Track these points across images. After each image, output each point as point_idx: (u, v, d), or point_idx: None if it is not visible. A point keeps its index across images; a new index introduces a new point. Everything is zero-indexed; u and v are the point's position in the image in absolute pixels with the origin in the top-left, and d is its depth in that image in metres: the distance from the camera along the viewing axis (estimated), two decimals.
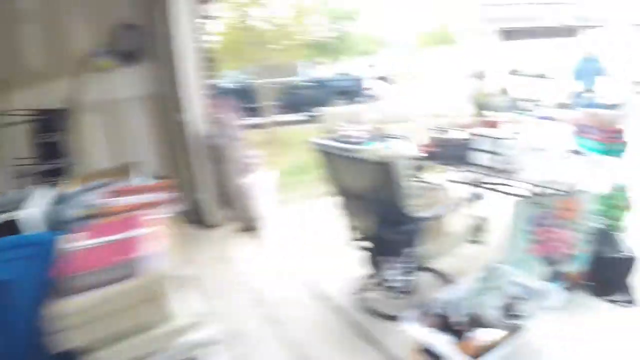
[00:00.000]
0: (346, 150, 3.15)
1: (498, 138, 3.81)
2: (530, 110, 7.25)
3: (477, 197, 3.55)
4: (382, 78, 26.41)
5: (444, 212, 3.43)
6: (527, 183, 3.74)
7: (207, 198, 5.89)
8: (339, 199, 3.72)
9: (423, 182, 4.30)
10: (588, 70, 9.31)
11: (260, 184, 5.53)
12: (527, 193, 3.84)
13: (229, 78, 15.12)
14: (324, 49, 23.39)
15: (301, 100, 14.74)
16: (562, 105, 8.89)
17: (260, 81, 11.92)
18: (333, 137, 4.10)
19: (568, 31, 41.34)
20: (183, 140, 5.81)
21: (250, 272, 4.72)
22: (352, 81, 17.01)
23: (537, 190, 3.66)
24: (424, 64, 41.97)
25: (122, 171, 3.58)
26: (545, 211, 3.60)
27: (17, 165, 5.17)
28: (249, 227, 5.68)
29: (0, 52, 5.44)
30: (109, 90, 5.77)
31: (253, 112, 13.53)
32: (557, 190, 3.50)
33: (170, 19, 5.47)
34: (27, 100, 5.46)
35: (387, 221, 3.08)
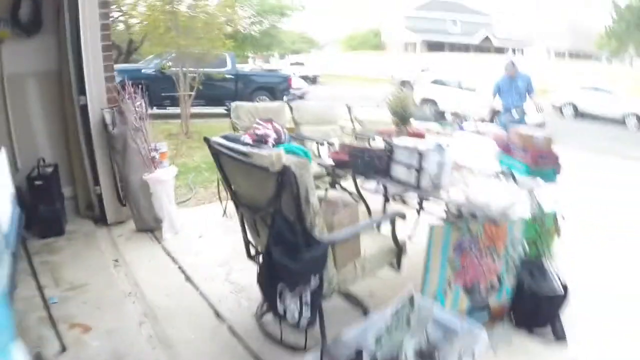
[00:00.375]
0: (239, 152, 2.61)
1: (421, 151, 3.40)
2: (453, 123, 7.03)
3: (397, 215, 3.13)
4: (309, 77, 25.90)
5: (358, 232, 2.97)
6: (451, 204, 3.37)
7: (105, 192, 5.29)
8: (235, 207, 3.24)
9: (333, 195, 3.88)
10: (512, 88, 9.17)
11: (163, 181, 4.98)
12: (450, 215, 3.48)
13: (147, 63, 14.40)
14: (251, 42, 22.73)
15: (222, 93, 14.16)
16: (485, 120, 8.72)
17: (180, 69, 11.20)
18: (233, 136, 3.52)
19: (488, 48, 43.00)
20: (82, 126, 5.20)
21: (145, 280, 4.16)
22: (278, 78, 16.59)
23: (461, 212, 3.28)
24: (351, 66, 42.28)
25: None
26: (469, 237, 3.21)
27: None
28: (148, 227, 5.13)
29: None
30: (4, 63, 5.10)
31: (170, 100, 12.92)
32: (483, 214, 3.14)
33: None
34: None
35: (284, 243, 2.51)
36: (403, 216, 3.13)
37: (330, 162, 4.01)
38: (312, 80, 28.66)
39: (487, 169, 3.75)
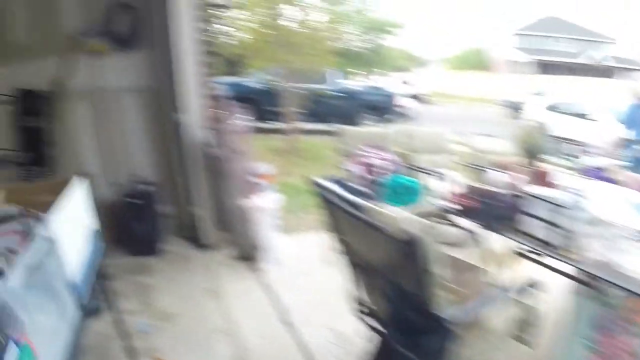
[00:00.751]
0: (356, 206, 2.14)
1: (558, 203, 2.83)
2: (577, 157, 6.26)
3: (533, 285, 2.56)
4: (415, 96, 25.23)
5: (487, 307, 2.43)
6: (590, 270, 2.74)
7: (203, 214, 5.04)
8: (344, 257, 2.77)
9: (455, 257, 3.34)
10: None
11: (265, 207, 4.63)
12: (587, 283, 2.85)
13: (253, 76, 14.30)
14: (356, 59, 22.36)
15: (327, 110, 13.79)
16: (612, 154, 7.80)
17: (285, 85, 11.00)
18: (345, 181, 3.00)
19: (607, 71, 40.04)
20: (179, 144, 4.96)
21: (238, 317, 3.82)
22: (384, 96, 16.01)
23: (602, 282, 2.65)
24: (455, 85, 41.07)
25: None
26: (611, 312, 2.59)
27: None
28: (246, 255, 4.79)
29: None
30: (100, 77, 4.97)
31: (275, 116, 12.72)
32: (629, 284, 2.51)
33: (169, 1, 4.64)
34: (9, 79, 4.75)
35: (402, 320, 2.07)
36: (540, 287, 2.57)
37: (453, 205, 3.48)
38: (416, 98, 27.96)
39: (629, 226, 3.09)
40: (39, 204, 2.46)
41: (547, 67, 40.31)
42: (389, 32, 23.73)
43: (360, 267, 2.51)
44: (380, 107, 15.25)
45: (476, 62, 48.13)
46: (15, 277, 1.59)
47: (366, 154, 4.86)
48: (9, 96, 4.75)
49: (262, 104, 12.93)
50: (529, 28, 46.18)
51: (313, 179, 2.41)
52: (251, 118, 4.86)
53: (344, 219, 2.32)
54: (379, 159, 4.75)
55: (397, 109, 16.09)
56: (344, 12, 14.21)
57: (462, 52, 53.17)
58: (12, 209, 2.17)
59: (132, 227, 4.86)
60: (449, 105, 31.18)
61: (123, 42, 5.02)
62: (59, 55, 4.74)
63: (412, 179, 4.47)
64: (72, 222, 2.43)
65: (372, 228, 2.00)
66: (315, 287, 4.29)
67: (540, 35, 44.92)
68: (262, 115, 12.97)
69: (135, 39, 5.04)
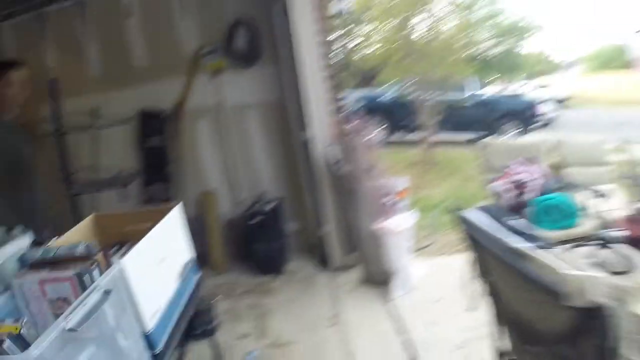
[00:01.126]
0: (513, 252, 1.54)
1: None
2: None
3: None
4: (554, 101, 23.52)
5: None
6: None
7: (330, 234, 4.67)
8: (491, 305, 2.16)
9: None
10: None
11: (398, 228, 4.14)
12: None
13: (386, 89, 13.91)
14: (491, 66, 21.22)
15: (464, 120, 13.02)
16: None
17: (420, 95, 10.50)
18: (496, 210, 2.32)
19: None
20: (305, 160, 4.67)
21: (361, 352, 3.37)
22: (524, 103, 14.90)
23: None
24: (600, 88, 38.02)
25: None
26: None
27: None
28: (375, 280, 4.34)
29: (105, 49, 4.91)
30: (222, 95, 4.91)
31: (409, 128, 12.26)
32: None
33: (292, 15, 4.32)
34: (132, 101, 4.92)
35: None
36: None
37: (618, 232, 2.82)
38: (558, 104, 26.14)
39: None
40: (128, 234, 2.27)
41: None
42: (524, 36, 22.39)
43: (512, 323, 1.94)
44: (521, 115, 14.19)
45: (616, 60, 44.46)
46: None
47: (512, 169, 4.31)
48: (131, 118, 4.91)
49: (395, 116, 12.71)
50: None
51: (456, 211, 1.87)
52: (383, 131, 4.44)
53: (496, 265, 1.78)
54: (527, 174, 4.19)
55: (539, 117, 14.98)
56: (476, 17, 13.44)
57: (599, 51, 49.46)
58: (81, 245, 1.86)
59: (255, 245, 4.69)
60: (592, 109, 28.88)
61: (244, 58, 4.92)
62: (180, 76, 4.72)
63: (566, 197, 3.97)
64: (155, 260, 2.17)
65: (535, 285, 1.46)
66: (450, 322, 3.62)
67: None
68: (395, 128, 12.72)
69: (256, 55, 4.93)
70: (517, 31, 21.99)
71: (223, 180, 5.14)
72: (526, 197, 4.08)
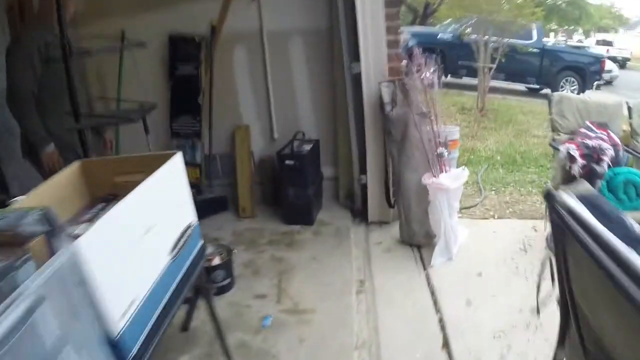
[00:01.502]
0: (622, 263, 0.97)
1: None
2: None
3: None
4: (617, 59, 21.96)
5: None
6: None
7: (371, 185, 4.11)
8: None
9: None
10: None
11: (447, 185, 3.56)
12: None
13: (444, 27, 13.03)
14: (557, 14, 19.76)
15: (525, 68, 12.21)
16: None
17: (480, 37, 9.67)
18: (594, 198, 1.55)
19: None
20: (352, 98, 4.03)
21: (388, 329, 2.87)
22: (589, 57, 13.84)
23: None
24: None
25: None
26: None
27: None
28: (415, 241, 3.81)
29: None
30: (263, 18, 4.29)
31: (466, 70, 11.51)
32: None
33: None
34: (162, 23, 4.37)
35: None
36: None
37: None
38: (621, 63, 24.48)
39: None
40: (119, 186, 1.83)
41: None
42: None
43: (596, 347, 1.37)
44: (585, 71, 13.22)
45: None
46: None
47: (584, 132, 3.69)
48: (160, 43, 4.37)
49: (450, 57, 11.93)
50: None
51: (547, 189, 1.28)
52: (440, 72, 3.81)
53: (588, 266, 1.21)
54: (598, 140, 3.57)
55: (602, 74, 13.92)
56: None
57: None
58: (31, 216, 1.29)
59: (287, 189, 4.15)
60: None
61: None
62: None
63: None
64: (136, 232, 1.62)
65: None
66: (492, 303, 3.10)
67: None
68: (449, 69, 11.95)
69: None
70: None
71: (258, 114, 4.58)
72: (598, 167, 3.50)
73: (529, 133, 8.23)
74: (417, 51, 3.67)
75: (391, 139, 3.73)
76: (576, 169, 3.53)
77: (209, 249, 3.19)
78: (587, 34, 29.98)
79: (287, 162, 4.03)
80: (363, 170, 4.10)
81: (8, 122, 3.18)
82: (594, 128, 3.70)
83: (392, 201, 4.06)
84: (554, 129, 3.96)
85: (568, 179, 3.50)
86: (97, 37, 3.98)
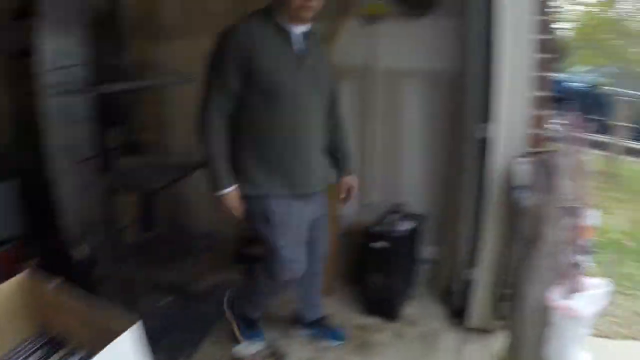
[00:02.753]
0: None
1: None
2: None
3: None
4: None
5: None
6: None
7: (480, 284, 2.99)
8: None
9: None
10: None
11: (581, 314, 2.40)
12: None
13: (576, 75, 11.55)
14: None
15: None
16: None
17: (618, 88, 8.26)
18: None
19: None
20: (474, 172, 2.93)
21: None
22: None
23: None
24: None
25: None
26: None
27: None
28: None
29: None
30: (375, 51, 3.39)
31: (594, 126, 10.03)
32: None
33: None
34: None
35: None
36: None
37: None
38: None
39: None
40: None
41: None
42: None
43: None
44: None
45: None
46: None
47: None
48: None
49: (581, 109, 10.21)
50: None
51: None
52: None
53: None
54: None
55: None
56: None
57: None
58: None
59: (372, 276, 3.13)
60: None
61: (415, 3, 3.30)
62: (324, 18, 3.06)
63: None
64: None
65: None
66: None
67: None
68: (580, 122, 10.41)
69: (432, 1, 3.28)
70: None
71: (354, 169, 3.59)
72: None
73: None
74: (574, 111, 2.61)
75: (517, 235, 2.64)
76: None
77: None
78: None
79: (376, 244, 3.01)
80: (472, 263, 3.01)
81: None
82: None
83: (504, 310, 2.95)
84: None
85: None
86: None
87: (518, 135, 2.69)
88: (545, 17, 2.81)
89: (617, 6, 9.00)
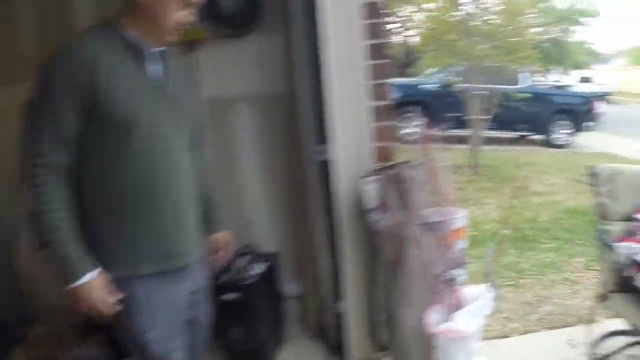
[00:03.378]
0: None
1: None
2: None
3: None
4: (599, 97, 20.90)
5: None
6: None
7: (352, 316, 2.69)
8: None
9: None
10: None
11: (464, 333, 2.18)
12: None
13: (427, 77, 11.94)
14: (539, 55, 18.73)
15: (514, 115, 10.99)
16: None
17: (469, 85, 8.66)
18: None
19: None
20: (320, 199, 2.64)
21: None
22: (579, 98, 12.96)
23: None
24: None
25: None
26: None
27: None
28: None
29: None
30: (199, 81, 2.78)
31: (452, 123, 10.37)
32: None
33: None
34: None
35: None
36: None
37: None
38: (602, 98, 23.66)
39: None
40: None
41: None
42: (579, 23, 19.84)
43: None
44: (577, 112, 12.32)
45: None
46: None
47: None
48: None
49: (437, 110, 10.76)
50: None
51: None
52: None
53: None
54: None
55: (594, 114, 12.89)
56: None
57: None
58: None
59: (232, 332, 2.72)
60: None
61: (235, 23, 2.97)
62: None
63: None
64: None
65: None
66: None
67: None
68: (437, 122, 10.76)
69: (254, 17, 2.97)
70: (571, 17, 19.53)
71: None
72: None
73: (529, 191, 7.04)
74: (423, 119, 2.40)
75: (379, 259, 2.38)
76: None
77: None
78: (565, 72, 29.20)
79: (227, 296, 2.61)
80: (338, 294, 2.71)
81: None
82: None
83: (382, 340, 2.68)
84: (603, 216, 2.83)
85: (627, 287, 2.58)
86: None
87: (361, 152, 2.44)
88: (376, 22, 2.60)
89: (460, 8, 9.25)
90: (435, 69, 11.41)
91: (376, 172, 2.37)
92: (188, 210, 1.81)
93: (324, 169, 2.47)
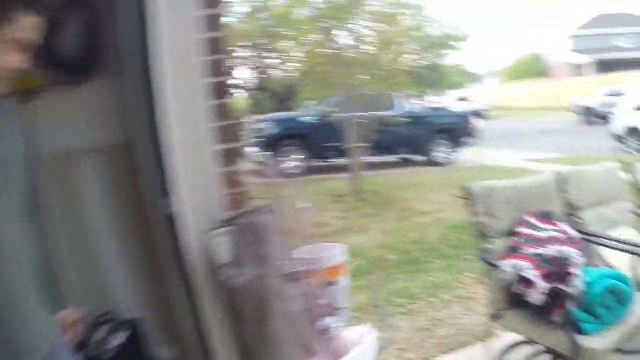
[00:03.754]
0: None
1: None
2: None
3: None
4: (475, 113, 22.25)
5: None
6: None
7: None
8: None
9: None
10: None
11: None
12: None
13: (306, 111, 12.06)
14: (413, 79, 19.57)
15: (393, 139, 11.33)
16: None
17: (346, 114, 8.81)
18: None
19: None
20: (173, 255, 2.36)
21: None
22: (456, 117, 13.69)
23: None
24: (519, 97, 37.65)
25: None
26: None
27: None
28: None
29: None
30: (36, 134, 2.43)
31: (334, 152, 10.53)
32: None
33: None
34: None
35: None
36: None
37: None
38: (478, 115, 25.17)
39: None
40: None
41: (609, 65, 35.60)
42: (451, 47, 21.13)
43: None
44: (455, 131, 12.95)
45: (533, 69, 44.67)
46: None
47: (528, 233, 2.68)
48: None
49: (317, 140, 11.05)
50: (585, 27, 41.88)
51: None
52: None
53: None
54: (559, 243, 2.43)
55: (472, 131, 13.56)
56: (397, 30, 11.77)
57: (517, 61, 49.88)
58: None
59: None
60: (512, 118, 28.37)
61: (72, 68, 2.60)
62: None
63: (614, 270, 2.72)
64: None
65: None
66: None
67: (596, 35, 40.43)
68: (318, 153, 10.85)
69: (91, 63, 2.61)
70: (443, 42, 20.72)
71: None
72: (568, 288, 2.38)
73: (414, 211, 7.11)
74: (275, 165, 2.23)
75: (241, 317, 2.14)
76: (536, 297, 2.44)
77: None
78: (441, 93, 30.66)
79: None
80: (211, 356, 2.44)
81: None
82: (538, 223, 2.69)
83: None
84: (483, 235, 2.79)
85: (518, 303, 2.57)
86: None
87: (209, 202, 2.20)
88: (217, 59, 2.40)
89: (334, 40, 9.40)
90: (314, 101, 11.55)
91: (227, 222, 2.15)
92: (30, 298, 1.42)
93: (172, 223, 2.21)
